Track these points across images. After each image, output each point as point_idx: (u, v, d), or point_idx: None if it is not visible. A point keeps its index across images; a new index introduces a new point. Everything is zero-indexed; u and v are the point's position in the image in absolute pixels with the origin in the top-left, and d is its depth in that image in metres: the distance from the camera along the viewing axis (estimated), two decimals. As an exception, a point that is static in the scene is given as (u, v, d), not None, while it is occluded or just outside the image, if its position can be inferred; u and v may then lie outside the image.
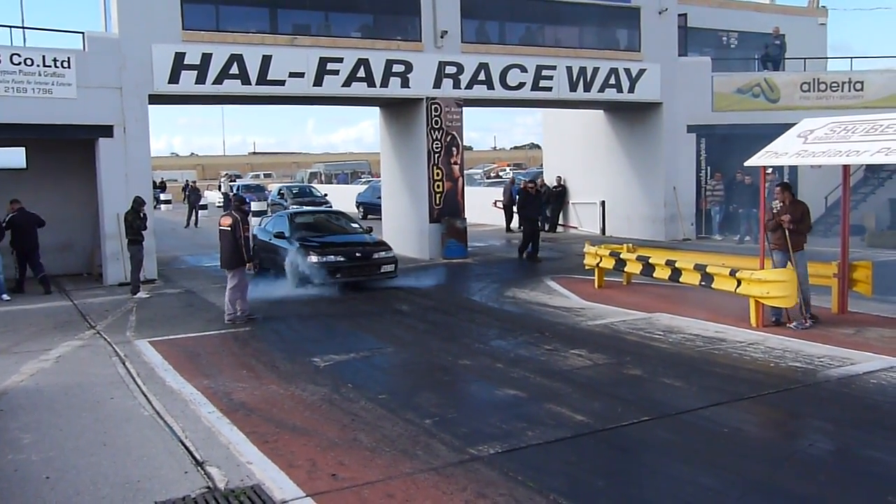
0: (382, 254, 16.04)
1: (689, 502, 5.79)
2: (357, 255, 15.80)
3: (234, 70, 18.02)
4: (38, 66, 16.16)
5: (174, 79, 17.51)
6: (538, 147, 46.12)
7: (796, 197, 11.89)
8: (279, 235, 16.53)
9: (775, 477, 6.19)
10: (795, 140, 11.57)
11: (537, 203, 20.72)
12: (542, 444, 6.95)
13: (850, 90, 23.38)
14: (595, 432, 7.29)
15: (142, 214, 15.80)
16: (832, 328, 11.23)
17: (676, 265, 13.18)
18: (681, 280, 13.14)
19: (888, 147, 9.88)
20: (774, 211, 11.57)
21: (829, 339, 10.63)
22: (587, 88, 21.99)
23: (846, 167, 12.21)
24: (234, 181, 53.38)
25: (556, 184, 27.51)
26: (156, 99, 17.85)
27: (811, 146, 11.13)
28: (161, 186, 46.03)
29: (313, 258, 15.23)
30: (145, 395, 8.77)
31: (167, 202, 45.66)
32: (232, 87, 18.15)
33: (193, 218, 33.66)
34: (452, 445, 6.95)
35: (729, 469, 6.39)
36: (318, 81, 18.89)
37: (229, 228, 12.60)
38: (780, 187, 11.78)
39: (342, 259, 15.52)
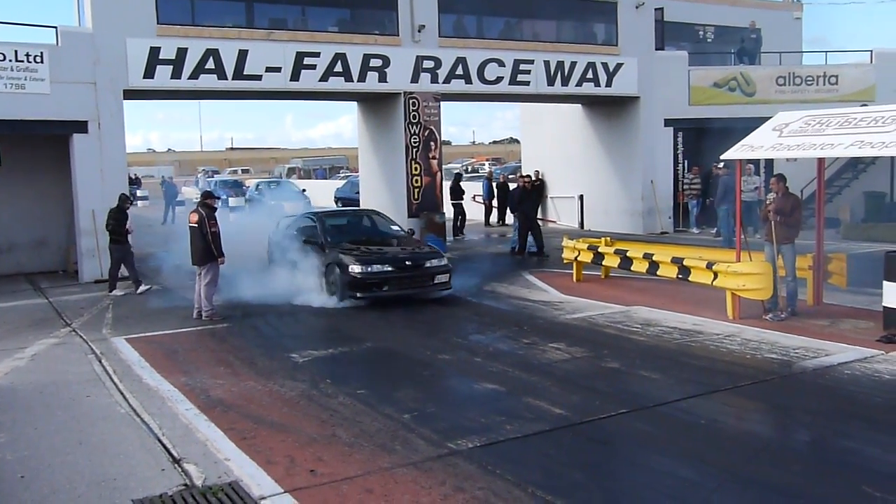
0: (435, 261, 13.89)
1: (666, 493, 5.82)
2: (407, 263, 13.70)
3: (210, 65, 17.90)
4: (10, 60, 15.95)
5: (149, 74, 17.37)
6: (517, 142, 46.25)
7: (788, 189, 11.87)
8: (310, 241, 14.61)
9: (751, 467, 6.24)
10: (771, 133, 11.64)
11: (534, 198, 20.67)
12: (520, 438, 6.97)
13: (824, 84, 23.57)
14: (573, 425, 7.31)
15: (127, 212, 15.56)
16: (807, 320, 11.33)
17: (654, 258, 13.25)
18: (658, 273, 13.22)
19: (861, 140, 9.97)
20: (767, 202, 11.63)
21: (804, 330, 10.73)
22: (565, 83, 22.02)
23: (821, 160, 12.30)
24: (212, 177, 52.97)
25: (533, 178, 27.50)
26: (131, 94, 17.71)
27: (786, 139, 11.21)
28: (135, 182, 45.51)
29: (356, 268, 13.21)
30: (122, 393, 8.71)
31: (144, 198, 45.17)
32: (208, 82, 18.02)
33: (170, 214, 33.39)
34: (431, 440, 6.95)
35: (705, 460, 6.44)
36: (295, 76, 18.81)
37: (196, 225, 12.57)
38: (774, 178, 11.82)
39: (390, 269, 13.43)
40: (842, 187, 22.99)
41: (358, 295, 13.24)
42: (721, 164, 20.36)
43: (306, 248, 14.53)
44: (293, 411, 7.92)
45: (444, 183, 21.56)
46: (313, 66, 18.94)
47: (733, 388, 8.40)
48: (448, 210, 23.41)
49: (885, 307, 10.33)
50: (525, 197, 19.93)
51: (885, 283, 10.27)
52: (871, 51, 24.23)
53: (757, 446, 6.80)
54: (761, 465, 6.32)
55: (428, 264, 13.79)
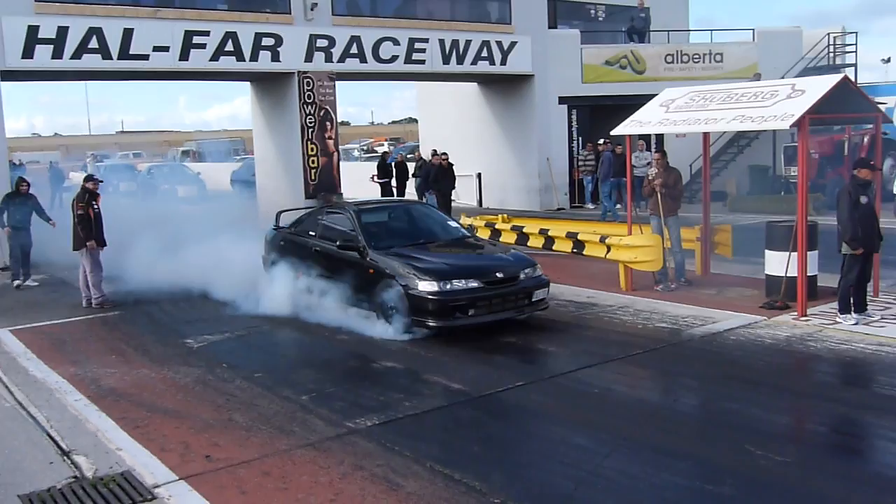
0: (528, 271, 10.13)
1: (561, 461, 5.96)
2: (498, 275, 9.89)
3: (94, 44, 17.20)
4: None
5: (28, 54, 16.57)
6: (416, 121, 46.21)
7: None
8: (349, 247, 10.58)
9: (642, 433, 6.45)
10: (658, 109, 11.96)
11: (451, 176, 20.56)
12: (418, 414, 7.02)
13: (710, 62, 24.31)
14: (471, 400, 7.41)
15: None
16: (696, 289, 11.73)
17: (549, 234, 13.49)
18: (554, 248, 13.47)
19: (742, 115, 10.34)
20: (650, 177, 11.96)
21: (693, 299, 11.11)
22: (460, 61, 22.08)
23: (706, 135, 12.71)
24: (101, 161, 51.08)
25: (429, 156, 27.45)
26: (9, 75, 16.88)
27: (672, 115, 11.53)
28: (18, 167, 43.44)
29: (428, 285, 9.48)
30: (6, 386, 8.37)
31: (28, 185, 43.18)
32: (91, 61, 17.33)
33: (56, 200, 32.11)
34: (329, 420, 6.93)
35: (599, 427, 6.63)
36: (184, 56, 18.27)
37: (70, 209, 12.24)
38: (657, 154, 12.20)
39: (476, 285, 9.62)
40: (728, 161, 23.81)
41: (431, 323, 9.49)
42: (602, 141, 20.84)
43: (336, 254, 10.85)
44: (188, 397, 7.77)
45: (341, 163, 21.33)
46: (203, 46, 18.44)
47: (625, 357, 8.65)
48: (375, 190, 23.07)
49: (766, 275, 10.78)
50: (442, 175, 19.87)
51: (766, 251, 10.73)
52: (754, 30, 25.17)
53: (647, 412, 7.04)
54: (651, 429, 6.53)
55: (523, 276, 10.07)
